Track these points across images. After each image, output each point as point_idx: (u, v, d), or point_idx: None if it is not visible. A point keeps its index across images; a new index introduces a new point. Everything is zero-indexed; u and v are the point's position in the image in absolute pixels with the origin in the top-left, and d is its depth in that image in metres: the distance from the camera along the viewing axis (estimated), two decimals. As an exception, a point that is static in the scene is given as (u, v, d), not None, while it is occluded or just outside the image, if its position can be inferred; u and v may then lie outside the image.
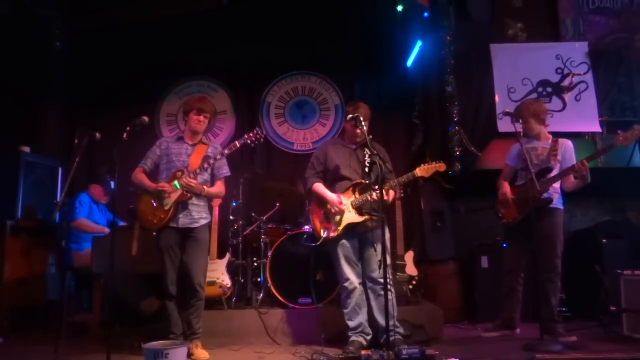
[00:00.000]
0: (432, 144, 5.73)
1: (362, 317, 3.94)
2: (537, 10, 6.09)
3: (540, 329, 3.81)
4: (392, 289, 3.93)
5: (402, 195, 4.89)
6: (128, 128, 3.68)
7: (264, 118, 6.45)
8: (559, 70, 5.67)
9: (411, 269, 4.84)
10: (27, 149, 5.31)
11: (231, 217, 5.10)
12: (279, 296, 4.52)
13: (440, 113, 5.63)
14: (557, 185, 4.21)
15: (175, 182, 3.87)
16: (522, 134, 4.18)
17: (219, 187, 4.10)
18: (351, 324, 3.92)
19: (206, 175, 4.04)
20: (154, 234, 3.91)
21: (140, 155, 4.10)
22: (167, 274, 3.87)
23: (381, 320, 3.76)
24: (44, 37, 5.98)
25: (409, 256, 4.88)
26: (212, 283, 4.49)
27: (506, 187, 4.36)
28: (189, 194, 3.87)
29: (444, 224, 5.66)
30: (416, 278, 4.85)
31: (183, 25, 6.12)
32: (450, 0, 5.63)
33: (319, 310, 4.44)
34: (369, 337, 3.93)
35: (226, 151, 3.98)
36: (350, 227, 3.91)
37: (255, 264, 5.01)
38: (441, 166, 3.91)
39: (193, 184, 3.85)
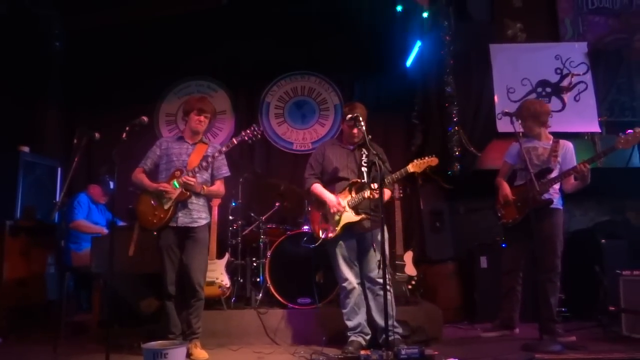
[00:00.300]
0: (431, 144, 5.72)
1: (361, 317, 3.94)
2: (537, 11, 6.10)
3: (540, 329, 3.82)
4: (391, 289, 3.93)
5: (401, 195, 4.88)
6: (127, 128, 3.68)
7: (263, 118, 6.45)
8: (559, 71, 5.67)
9: (410, 269, 4.84)
10: (26, 149, 5.31)
11: (230, 217, 5.10)
12: (278, 296, 4.52)
13: (439, 113, 5.63)
14: (557, 186, 4.21)
15: (175, 182, 3.87)
16: (521, 134, 4.18)
17: (218, 187, 4.10)
18: (350, 324, 3.93)
19: (206, 175, 4.04)
20: (154, 233, 3.91)
21: (140, 155, 4.10)
22: (167, 274, 3.87)
23: (380, 320, 3.76)
24: (43, 37, 5.98)
25: (408, 256, 4.88)
26: (212, 283, 4.49)
27: (506, 189, 4.35)
28: (188, 193, 3.87)
29: (443, 224, 5.65)
30: (415, 278, 4.85)
31: (183, 25, 6.12)
32: (449, 1, 5.63)
33: (318, 310, 4.44)
34: (368, 337, 3.93)
35: (224, 149, 3.97)
36: (348, 227, 3.91)
37: (255, 264, 5.01)
38: (433, 160, 3.90)
39: (192, 182, 3.85)
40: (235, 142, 3.96)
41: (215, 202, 4.69)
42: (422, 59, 5.90)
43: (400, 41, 6.22)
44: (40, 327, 4.68)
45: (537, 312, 4.01)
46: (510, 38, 5.99)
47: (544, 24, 6.09)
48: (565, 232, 4.28)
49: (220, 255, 4.70)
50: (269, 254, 4.68)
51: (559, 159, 4.24)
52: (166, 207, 3.85)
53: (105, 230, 4.91)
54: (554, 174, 4.17)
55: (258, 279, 4.96)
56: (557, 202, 4.22)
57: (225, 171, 4.13)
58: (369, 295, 3.95)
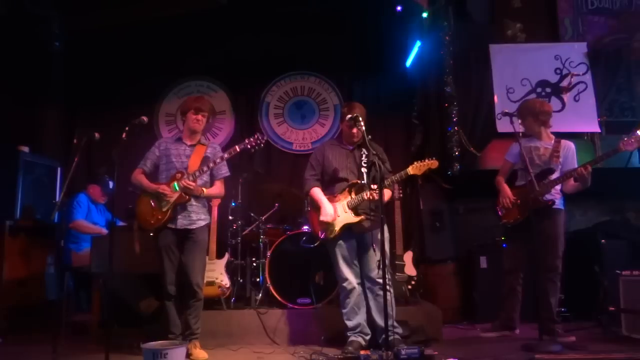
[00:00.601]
0: (431, 145, 5.73)
1: (360, 317, 3.94)
2: (536, 11, 6.11)
3: (539, 329, 3.81)
4: (391, 289, 3.93)
5: (401, 195, 4.89)
6: (127, 128, 3.68)
7: (263, 118, 6.46)
8: (558, 71, 5.68)
9: (410, 269, 4.84)
10: (26, 149, 5.31)
11: (230, 217, 5.10)
12: (278, 296, 4.52)
13: (439, 113, 5.64)
14: (558, 186, 4.21)
15: (175, 184, 3.86)
16: (521, 134, 4.18)
17: (218, 188, 4.09)
18: (350, 324, 3.92)
19: (205, 177, 4.03)
20: (151, 235, 3.90)
21: (140, 155, 4.10)
22: (166, 274, 3.86)
23: (380, 320, 3.76)
24: (43, 37, 5.98)
25: (408, 256, 4.88)
26: (211, 283, 4.50)
27: (508, 191, 4.33)
28: (187, 196, 3.86)
29: (443, 224, 5.66)
30: (415, 278, 4.84)
31: (182, 25, 6.12)
32: (449, 1, 5.63)
33: (317, 310, 4.44)
34: (367, 337, 3.93)
35: (226, 155, 3.95)
36: (347, 227, 3.91)
37: (255, 264, 5.01)
38: (434, 163, 3.89)
39: (192, 186, 3.84)
40: (238, 149, 3.93)
41: (215, 202, 4.69)
42: (421, 59, 5.90)
43: (399, 41, 6.22)
44: (39, 327, 4.66)
45: (537, 312, 4.01)
46: (509, 38, 6.00)
47: (543, 24, 6.10)
48: (565, 232, 4.28)
49: (220, 255, 4.70)
50: (268, 254, 4.68)
51: (561, 159, 4.24)
52: (164, 208, 3.84)
53: (104, 231, 4.91)
54: (555, 175, 4.17)
55: (258, 279, 4.96)
56: (559, 203, 4.22)
57: (225, 171, 4.12)
58: (369, 295, 3.95)
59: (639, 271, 4.17)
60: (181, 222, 3.88)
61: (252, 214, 5.17)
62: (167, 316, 3.89)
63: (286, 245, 4.71)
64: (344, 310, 3.95)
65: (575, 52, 5.71)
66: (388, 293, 3.72)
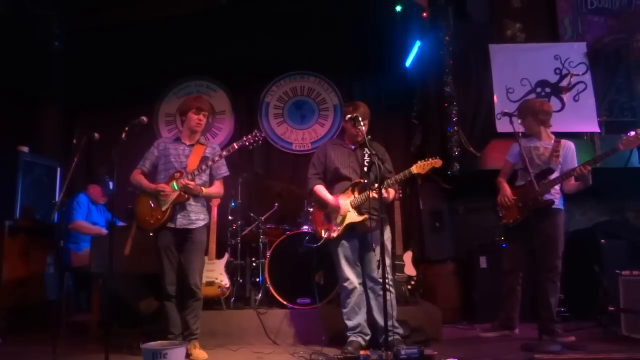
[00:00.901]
0: (430, 145, 5.72)
1: (361, 317, 3.94)
2: (536, 11, 6.11)
3: (539, 329, 3.81)
4: (393, 289, 3.94)
5: (400, 195, 4.89)
6: (127, 128, 3.68)
7: (262, 118, 6.45)
8: (558, 71, 5.67)
9: (410, 269, 4.84)
10: (25, 149, 5.30)
11: (230, 217, 5.10)
12: (277, 296, 4.52)
13: (439, 113, 5.63)
14: (558, 186, 4.21)
15: (174, 183, 3.85)
16: (520, 134, 4.18)
17: (217, 188, 4.09)
18: (350, 323, 3.92)
19: (205, 177, 4.02)
20: (151, 234, 3.90)
21: (139, 155, 4.09)
22: (166, 275, 3.86)
23: (381, 320, 3.75)
24: (42, 37, 5.97)
25: (408, 256, 4.88)
26: (211, 283, 4.50)
27: (507, 190, 4.34)
28: (186, 195, 3.86)
29: (442, 224, 5.66)
30: (415, 278, 4.85)
31: (182, 25, 6.12)
32: (449, 1, 5.63)
33: (317, 310, 4.44)
34: (367, 338, 3.93)
35: (224, 153, 3.96)
36: (351, 227, 3.90)
37: (254, 264, 5.01)
38: (437, 162, 3.88)
39: (191, 186, 3.84)
40: (236, 146, 3.93)
41: (215, 202, 4.69)
42: (421, 59, 5.90)
43: (399, 41, 6.21)
44: (39, 327, 4.67)
45: (536, 312, 4.01)
46: (509, 38, 6.00)
47: (543, 24, 6.09)
48: (565, 232, 4.28)
49: (219, 256, 4.70)
50: (268, 254, 4.68)
51: (560, 158, 4.24)
52: (163, 208, 3.84)
53: (104, 231, 4.91)
54: (555, 174, 4.17)
55: (257, 279, 4.96)
56: (559, 203, 4.22)
57: (224, 171, 4.12)
58: (371, 295, 3.95)
59: (639, 271, 4.17)
60: (180, 221, 3.88)
61: (251, 214, 5.17)
62: (167, 316, 3.89)
63: (286, 245, 4.70)
64: (344, 310, 3.95)
65: (574, 52, 5.71)
66: (389, 293, 3.73)
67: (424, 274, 5.20)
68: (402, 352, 3.48)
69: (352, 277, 3.92)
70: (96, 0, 5.62)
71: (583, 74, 5.64)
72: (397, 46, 6.26)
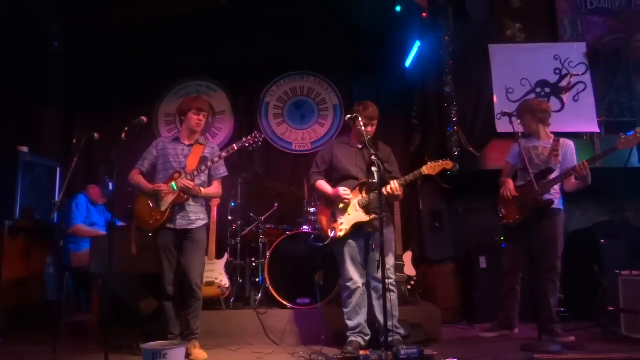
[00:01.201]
0: (430, 145, 5.73)
1: (361, 318, 3.94)
2: (536, 11, 6.11)
3: (539, 330, 3.82)
4: (395, 290, 3.95)
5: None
6: (126, 128, 3.68)
7: (262, 118, 6.46)
8: (557, 71, 5.68)
9: (410, 269, 4.85)
10: (25, 149, 5.30)
11: (230, 217, 5.10)
12: (277, 296, 4.52)
13: (438, 113, 5.63)
14: (557, 186, 4.21)
15: (173, 184, 3.85)
16: (520, 134, 4.18)
17: (216, 188, 4.09)
18: (350, 323, 3.92)
19: (204, 177, 4.02)
20: (150, 235, 3.90)
21: (139, 155, 4.09)
22: (165, 275, 3.86)
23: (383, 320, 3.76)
24: (42, 37, 5.96)
25: (408, 256, 4.89)
26: (211, 283, 4.50)
27: (511, 184, 4.31)
28: (186, 196, 3.86)
29: (442, 225, 5.66)
30: (415, 278, 4.85)
31: (182, 26, 6.12)
32: (448, 1, 5.63)
33: (317, 310, 4.44)
34: (367, 338, 3.93)
35: (224, 154, 3.96)
36: (358, 226, 3.89)
37: (254, 264, 5.01)
38: (448, 164, 3.88)
39: (190, 186, 3.84)
40: (236, 147, 3.94)
41: (215, 202, 4.69)
42: (421, 60, 5.90)
43: (399, 41, 6.22)
44: (39, 328, 4.67)
45: (536, 313, 4.01)
46: (509, 38, 6.00)
47: (542, 24, 6.10)
48: (564, 232, 4.28)
49: (219, 256, 4.70)
50: (268, 254, 4.67)
51: (560, 158, 4.24)
52: (163, 209, 3.84)
53: (103, 233, 4.90)
54: (555, 174, 4.17)
55: (257, 279, 4.96)
56: (558, 203, 4.22)
57: (222, 171, 4.11)
58: (374, 295, 3.94)
59: (639, 271, 4.17)
60: (180, 222, 3.88)
61: (251, 214, 5.17)
62: (166, 316, 3.89)
63: (286, 246, 4.70)
64: (345, 310, 3.95)
65: (574, 52, 5.71)
66: (393, 293, 3.79)
67: (424, 274, 5.20)
68: (402, 352, 3.48)
69: (356, 277, 3.91)
70: (96, 0, 5.61)
71: (583, 74, 5.64)
72: (397, 46, 6.27)
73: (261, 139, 3.99)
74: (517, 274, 4.36)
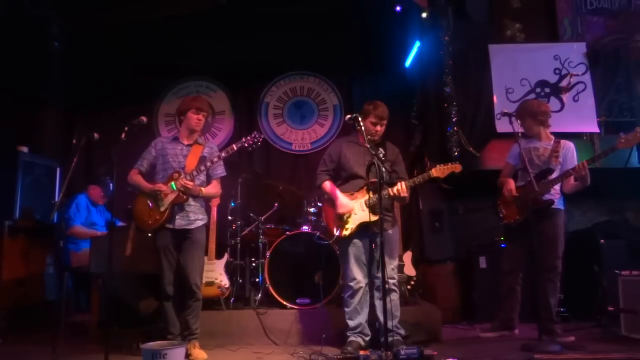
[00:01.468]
0: (430, 145, 5.73)
1: (362, 318, 3.93)
2: (536, 11, 6.11)
3: (539, 330, 3.82)
4: (397, 290, 3.95)
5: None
6: (126, 128, 3.67)
7: (262, 118, 6.46)
8: (557, 71, 5.67)
9: (409, 270, 4.85)
10: (25, 149, 5.31)
11: (229, 217, 5.10)
12: (277, 296, 4.52)
13: (438, 114, 5.63)
14: (558, 186, 4.21)
15: (172, 184, 3.85)
16: (520, 134, 4.18)
17: (215, 188, 4.07)
18: (351, 323, 3.92)
19: (203, 177, 4.02)
20: (149, 235, 3.90)
21: (139, 155, 4.08)
22: (165, 275, 3.86)
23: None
24: (42, 37, 5.98)
25: (408, 256, 4.89)
26: (211, 283, 4.50)
27: (512, 183, 4.31)
28: (185, 196, 3.86)
29: (442, 225, 5.65)
30: (414, 278, 4.85)
31: (182, 26, 6.13)
32: (448, 1, 5.63)
33: (317, 310, 4.44)
34: (367, 338, 3.92)
35: (223, 154, 3.95)
36: (364, 226, 3.87)
37: (254, 265, 5.01)
38: (457, 167, 3.87)
39: (190, 186, 3.83)
40: (235, 148, 3.93)
41: (215, 202, 4.69)
42: (421, 60, 5.90)
43: (399, 41, 6.23)
44: (39, 328, 4.67)
45: (536, 313, 4.01)
46: (509, 38, 6.00)
47: (542, 24, 6.09)
48: (564, 232, 4.28)
49: (219, 256, 4.69)
50: (268, 254, 4.67)
51: (560, 159, 4.24)
52: (162, 209, 3.83)
53: (104, 233, 4.91)
54: (555, 175, 4.17)
55: (257, 279, 4.96)
56: (559, 203, 4.21)
57: (221, 171, 4.10)
58: (376, 295, 3.91)
59: (638, 271, 4.17)
60: (179, 222, 3.87)
61: (251, 214, 5.17)
62: (166, 316, 3.88)
63: (285, 246, 4.70)
64: (347, 309, 3.94)
65: (574, 52, 5.71)
66: (395, 294, 3.81)
67: (424, 274, 5.20)
68: (402, 352, 3.48)
69: (359, 277, 3.90)
70: (96, 0, 5.62)
71: (582, 74, 5.64)
72: (397, 46, 6.27)
73: (260, 139, 3.99)
74: (517, 274, 4.36)
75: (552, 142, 4.32)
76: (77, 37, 6.14)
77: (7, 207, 4.98)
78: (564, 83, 5.64)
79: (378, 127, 3.96)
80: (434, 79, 5.69)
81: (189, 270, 3.85)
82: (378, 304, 3.91)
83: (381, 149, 3.98)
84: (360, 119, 3.80)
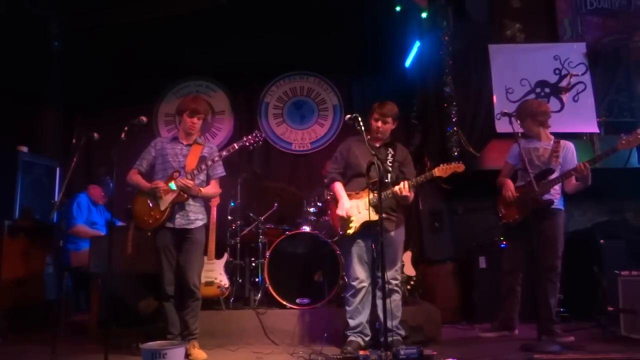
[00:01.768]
0: (430, 145, 5.73)
1: (363, 318, 3.92)
2: (535, 11, 6.10)
3: (538, 330, 3.82)
4: (400, 291, 3.95)
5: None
6: (126, 128, 3.67)
7: (262, 118, 6.46)
8: (557, 71, 5.67)
9: (409, 270, 4.85)
10: (25, 149, 5.30)
11: (229, 217, 5.10)
12: (277, 296, 4.52)
13: (438, 114, 5.64)
14: (558, 186, 4.21)
15: (172, 183, 3.85)
16: (519, 134, 4.18)
17: (214, 187, 4.07)
18: (352, 322, 3.91)
19: (202, 176, 4.02)
20: (149, 234, 3.90)
21: (139, 155, 4.08)
22: (164, 275, 3.86)
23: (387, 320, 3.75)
24: (42, 37, 5.98)
25: (407, 256, 4.89)
26: (210, 283, 4.50)
27: (511, 186, 4.31)
28: (185, 195, 3.86)
29: (442, 225, 5.66)
30: (414, 278, 4.85)
31: (182, 25, 6.13)
32: (448, 1, 5.63)
33: (317, 310, 4.43)
34: (367, 339, 3.91)
35: (224, 153, 3.95)
36: (367, 225, 3.86)
37: (253, 264, 5.00)
38: (460, 167, 3.86)
39: (190, 185, 3.83)
40: (237, 146, 3.93)
41: (214, 202, 4.69)
42: (421, 60, 5.91)
43: (399, 41, 6.23)
44: (38, 327, 4.67)
45: (536, 313, 4.01)
46: (509, 38, 6.00)
47: (542, 24, 6.09)
48: (564, 232, 4.28)
49: (219, 256, 4.69)
50: (267, 254, 4.67)
51: (560, 159, 4.24)
52: (162, 208, 3.83)
53: (103, 233, 4.91)
54: (555, 175, 4.17)
55: (257, 279, 4.96)
56: (558, 203, 4.22)
57: (220, 171, 4.10)
58: (378, 294, 3.91)
59: (638, 271, 4.17)
60: (179, 221, 3.87)
61: (251, 214, 5.16)
62: (166, 316, 3.88)
63: (285, 246, 4.70)
64: (348, 309, 3.93)
65: (574, 52, 5.71)
66: (397, 294, 3.82)
67: (423, 274, 5.20)
68: (402, 352, 3.47)
69: (361, 276, 3.90)
70: (96, 0, 5.62)
71: (582, 74, 5.64)
72: (397, 46, 6.28)
73: (262, 138, 3.99)
74: (517, 274, 4.36)
75: (552, 142, 4.33)
76: (77, 36, 6.15)
77: (7, 207, 4.97)
78: (563, 83, 5.64)
79: (379, 123, 3.96)
80: (434, 79, 5.69)
81: (188, 270, 3.85)
82: (380, 303, 3.90)
83: (390, 149, 3.97)
84: (360, 118, 3.80)
